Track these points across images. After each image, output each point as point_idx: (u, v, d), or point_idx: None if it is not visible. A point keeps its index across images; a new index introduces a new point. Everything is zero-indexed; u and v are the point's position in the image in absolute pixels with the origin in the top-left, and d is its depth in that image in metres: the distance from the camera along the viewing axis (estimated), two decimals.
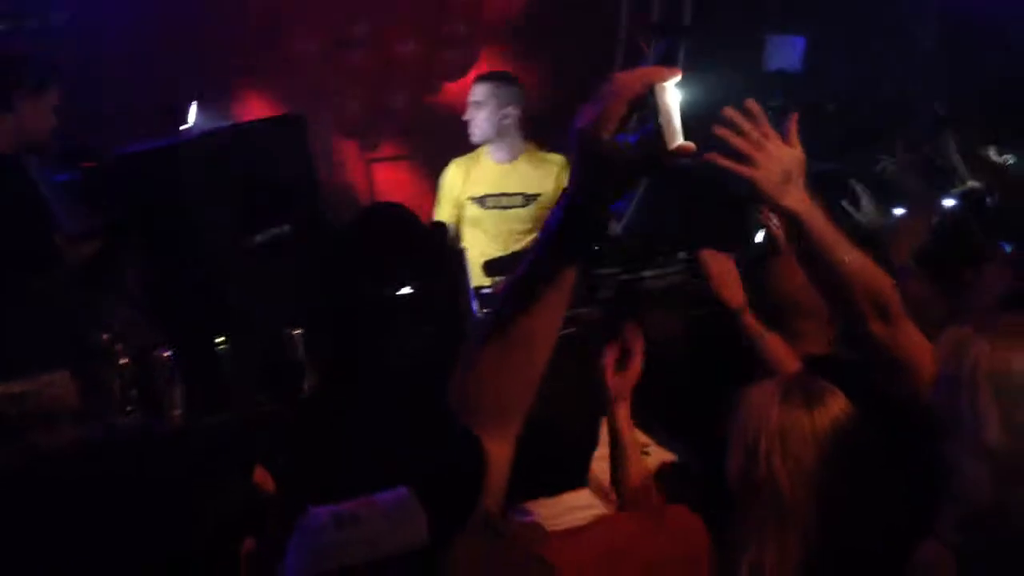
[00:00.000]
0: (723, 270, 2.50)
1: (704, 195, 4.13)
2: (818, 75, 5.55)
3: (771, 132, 1.68)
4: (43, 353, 2.73)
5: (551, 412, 1.64)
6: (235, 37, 4.66)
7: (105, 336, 2.55)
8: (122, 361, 2.48)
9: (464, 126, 3.90)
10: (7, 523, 2.12)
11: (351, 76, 5.06)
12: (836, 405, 1.69)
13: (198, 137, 2.79)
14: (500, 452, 1.23)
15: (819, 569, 1.64)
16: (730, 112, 1.68)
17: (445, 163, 4.00)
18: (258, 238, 2.70)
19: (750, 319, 2.41)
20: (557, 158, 3.98)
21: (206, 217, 2.67)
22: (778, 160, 1.65)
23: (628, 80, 1.15)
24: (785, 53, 5.88)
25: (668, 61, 6.06)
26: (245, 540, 1.79)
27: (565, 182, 4.23)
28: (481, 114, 3.83)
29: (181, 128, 3.26)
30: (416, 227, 2.81)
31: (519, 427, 1.28)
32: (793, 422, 1.68)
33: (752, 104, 1.68)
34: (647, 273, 3.13)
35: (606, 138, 1.15)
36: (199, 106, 3.46)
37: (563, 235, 1.20)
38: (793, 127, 1.69)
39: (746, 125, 1.67)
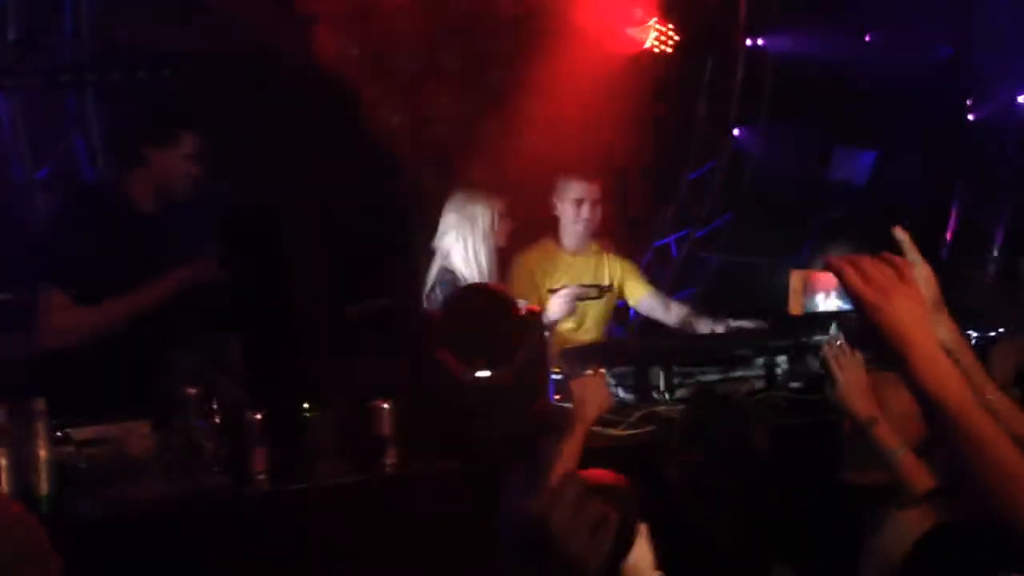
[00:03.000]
0: (852, 377, 2.34)
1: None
2: (887, 190, 5.59)
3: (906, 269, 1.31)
4: (126, 402, 2.76)
5: None
6: None
7: (193, 391, 2.57)
8: (213, 419, 2.49)
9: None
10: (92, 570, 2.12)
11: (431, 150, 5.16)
12: None
13: (305, 201, 2.84)
14: None
15: None
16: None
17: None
18: (354, 308, 2.73)
19: (883, 431, 2.28)
20: (615, 255, 4.09)
21: (302, 283, 2.70)
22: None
23: None
24: (852, 165, 5.95)
25: (737, 157, 6.15)
26: None
27: (629, 278, 4.18)
28: (599, 210, 3.89)
29: None
30: (509, 311, 2.83)
31: None
32: None
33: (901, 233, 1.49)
34: (730, 375, 3.14)
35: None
36: None
37: None
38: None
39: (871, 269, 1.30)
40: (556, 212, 3.93)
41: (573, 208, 3.86)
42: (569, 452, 2.40)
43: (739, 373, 3.14)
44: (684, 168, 6.09)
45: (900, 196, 5.76)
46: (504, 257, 3.81)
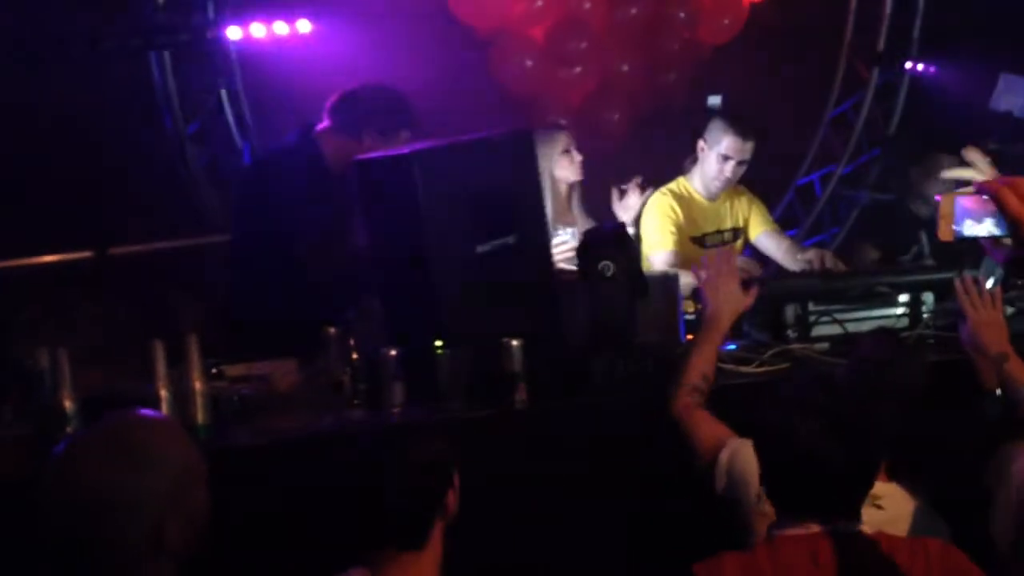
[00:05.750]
0: (984, 315, 2.38)
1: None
2: None
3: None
4: (278, 341, 2.92)
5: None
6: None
7: (335, 331, 2.69)
8: (353, 356, 2.60)
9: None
10: (247, 496, 2.28)
11: (564, 93, 5.14)
12: None
13: (430, 146, 2.89)
14: None
15: None
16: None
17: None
18: (484, 247, 2.77)
19: (1014, 367, 2.28)
20: (743, 189, 3.97)
21: (434, 223, 2.76)
22: None
23: None
24: (1018, 94, 5.55)
25: (886, 92, 5.86)
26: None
27: (753, 213, 4.03)
28: (741, 170, 3.80)
29: None
30: (631, 247, 2.81)
31: None
32: None
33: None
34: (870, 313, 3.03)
35: None
36: None
37: None
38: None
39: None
40: (699, 151, 3.84)
41: (718, 162, 3.76)
42: (704, 357, 2.39)
43: (880, 311, 3.04)
44: (828, 104, 5.86)
45: None
46: (587, 190, 3.74)
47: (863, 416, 1.75)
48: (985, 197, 1.27)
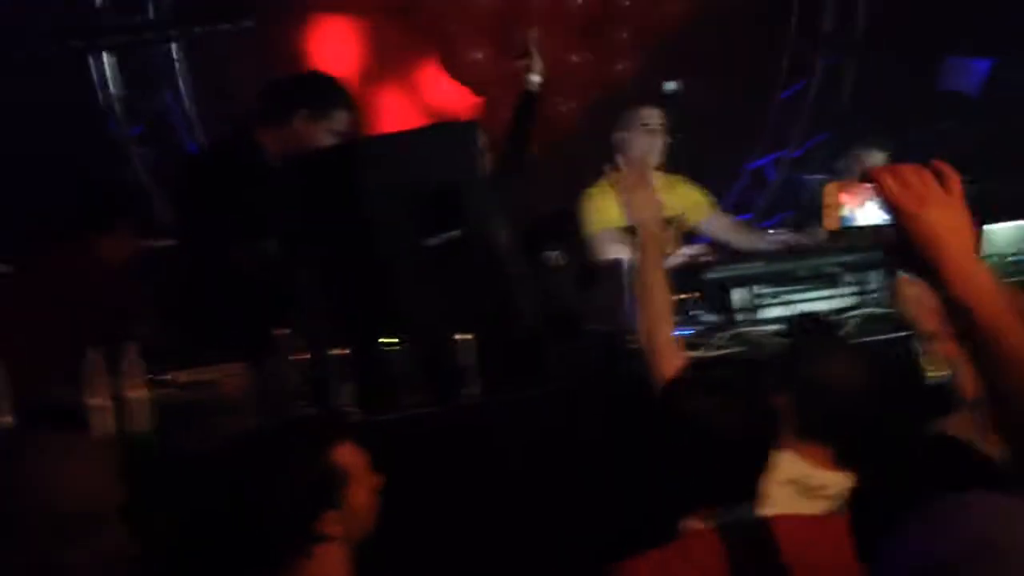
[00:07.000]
0: (917, 294, 2.39)
1: None
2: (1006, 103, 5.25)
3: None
4: (225, 345, 2.87)
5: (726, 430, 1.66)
6: None
7: (283, 332, 2.65)
8: (300, 357, 2.57)
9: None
10: (192, 494, 2.23)
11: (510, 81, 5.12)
12: None
13: (372, 140, 2.86)
14: None
15: None
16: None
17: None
18: (431, 241, 2.74)
19: (944, 345, 2.29)
20: (678, 178, 3.95)
21: (380, 218, 2.73)
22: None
23: None
24: (963, 76, 5.61)
25: (834, 74, 5.90)
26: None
27: (693, 200, 4.03)
28: (659, 140, 3.78)
29: None
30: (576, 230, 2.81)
31: None
32: None
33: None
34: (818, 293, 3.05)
35: None
36: None
37: None
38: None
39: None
40: (617, 142, 3.82)
41: (640, 136, 3.76)
42: (651, 275, 2.36)
43: (828, 291, 3.05)
44: (776, 87, 5.89)
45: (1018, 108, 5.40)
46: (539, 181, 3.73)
47: (757, 397, 1.72)
48: (869, 185, 1.27)
